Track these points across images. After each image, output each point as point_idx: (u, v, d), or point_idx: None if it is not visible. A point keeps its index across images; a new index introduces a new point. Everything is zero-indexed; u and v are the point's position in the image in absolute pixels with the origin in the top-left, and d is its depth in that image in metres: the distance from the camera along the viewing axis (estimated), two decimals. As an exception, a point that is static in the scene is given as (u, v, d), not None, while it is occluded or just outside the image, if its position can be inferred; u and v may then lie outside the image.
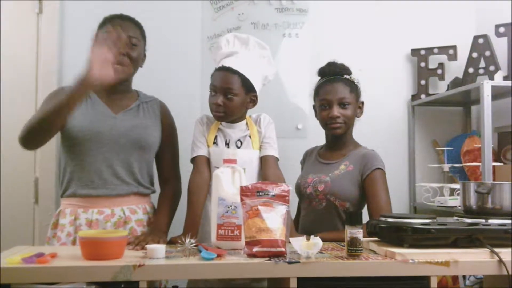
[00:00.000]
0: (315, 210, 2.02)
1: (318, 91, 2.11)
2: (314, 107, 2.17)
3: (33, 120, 1.78)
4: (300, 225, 2.10)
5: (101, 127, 1.87)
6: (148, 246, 1.48)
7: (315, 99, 2.14)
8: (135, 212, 1.92)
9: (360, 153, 2.05)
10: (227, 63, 1.96)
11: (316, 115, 2.15)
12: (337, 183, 1.99)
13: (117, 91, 1.96)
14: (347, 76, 2.08)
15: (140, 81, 2.06)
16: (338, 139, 2.09)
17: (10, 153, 2.57)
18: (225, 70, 1.96)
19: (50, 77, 2.62)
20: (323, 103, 2.05)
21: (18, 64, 2.63)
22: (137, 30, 1.97)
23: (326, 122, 2.04)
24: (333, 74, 2.08)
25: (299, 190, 2.09)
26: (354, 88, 2.07)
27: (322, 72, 2.13)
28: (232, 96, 1.95)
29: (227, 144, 2.02)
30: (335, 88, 2.04)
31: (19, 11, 2.65)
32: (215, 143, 2.02)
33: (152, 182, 2.03)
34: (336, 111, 2.01)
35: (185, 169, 2.07)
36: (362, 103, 2.11)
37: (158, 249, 1.45)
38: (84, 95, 1.72)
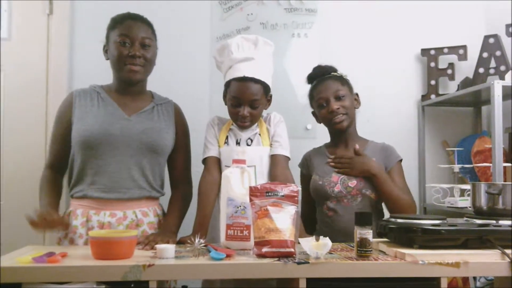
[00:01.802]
0: (347, 207, 2.01)
1: (312, 95, 2.15)
2: (313, 113, 2.19)
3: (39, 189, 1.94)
4: (328, 227, 2.04)
5: (113, 130, 1.87)
6: (157, 246, 1.49)
7: (312, 104, 2.18)
8: (146, 214, 1.92)
9: (377, 146, 2.11)
10: (246, 72, 1.93)
11: (317, 120, 2.17)
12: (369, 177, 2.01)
13: (131, 92, 1.98)
14: (334, 74, 2.13)
15: (148, 82, 2.06)
16: (345, 134, 2.11)
17: (21, 154, 2.59)
18: (247, 81, 1.94)
19: (61, 77, 2.64)
20: (320, 102, 2.09)
21: (29, 64, 2.64)
22: (149, 29, 1.97)
23: (329, 118, 2.07)
24: (321, 75, 2.13)
25: (322, 191, 2.06)
26: (345, 81, 2.12)
27: (311, 77, 2.18)
28: (257, 105, 1.97)
29: (238, 143, 2.02)
30: (327, 85, 2.09)
31: (30, 12, 2.66)
32: (226, 143, 2.02)
33: (163, 185, 2.04)
34: (335, 104, 2.04)
35: (196, 170, 2.08)
36: (357, 94, 2.15)
37: (168, 249, 1.45)
38: None
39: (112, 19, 1.97)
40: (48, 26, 2.67)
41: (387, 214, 2.05)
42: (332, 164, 2.08)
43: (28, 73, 2.64)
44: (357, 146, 2.04)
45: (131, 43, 1.89)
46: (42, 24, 2.67)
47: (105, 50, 1.98)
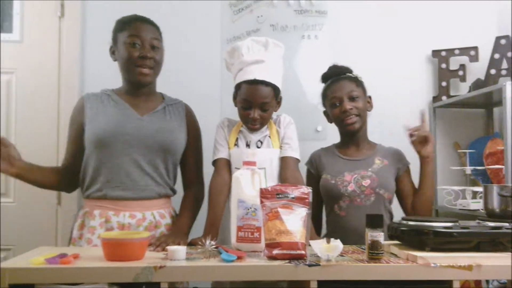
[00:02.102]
0: (360, 207, 2.00)
1: (326, 94, 2.15)
2: (325, 113, 2.19)
3: None
4: (339, 227, 2.03)
5: (128, 128, 1.89)
6: (169, 247, 1.49)
7: (324, 103, 2.18)
8: (164, 216, 1.94)
9: (390, 150, 2.13)
10: (257, 75, 1.93)
11: (328, 120, 2.17)
12: (382, 176, 2.02)
13: (142, 94, 1.99)
14: (350, 74, 2.13)
15: (159, 84, 2.07)
16: (356, 136, 2.11)
17: (33, 155, 2.59)
18: (258, 84, 1.94)
19: (72, 79, 2.66)
20: (333, 102, 2.08)
21: (40, 66, 2.67)
22: (157, 31, 1.99)
23: (341, 118, 2.06)
24: (336, 75, 2.13)
25: (334, 190, 2.04)
26: (359, 83, 2.12)
27: (325, 76, 2.18)
28: (267, 108, 1.97)
29: (248, 145, 2.02)
30: (342, 85, 2.09)
31: (42, 15, 2.68)
32: (236, 144, 2.03)
33: (175, 184, 2.05)
34: (348, 104, 2.04)
35: (206, 172, 2.08)
36: (370, 97, 2.15)
37: (179, 250, 1.46)
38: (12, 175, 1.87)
39: (119, 21, 1.98)
40: (59, 28, 2.70)
41: (396, 215, 2.05)
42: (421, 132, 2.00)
43: (40, 75, 2.66)
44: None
45: (141, 44, 1.90)
46: (53, 26, 2.69)
47: (112, 52, 1.99)
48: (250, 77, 1.94)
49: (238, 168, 1.83)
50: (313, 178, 2.15)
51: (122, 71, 1.97)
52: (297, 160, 2.03)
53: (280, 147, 2.02)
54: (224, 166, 2.00)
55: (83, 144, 1.93)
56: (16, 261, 1.42)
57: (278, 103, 2.06)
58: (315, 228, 2.07)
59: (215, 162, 2.03)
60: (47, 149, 2.58)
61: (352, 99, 2.05)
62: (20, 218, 2.59)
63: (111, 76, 2.04)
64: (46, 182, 1.97)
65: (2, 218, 2.55)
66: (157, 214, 1.92)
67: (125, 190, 1.87)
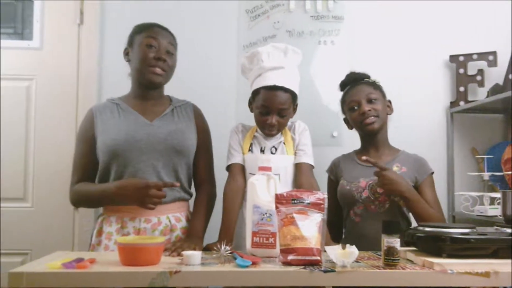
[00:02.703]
0: (375, 214, 2.00)
1: (344, 100, 2.16)
2: (345, 120, 2.18)
3: (77, 197, 1.94)
4: (355, 233, 2.03)
5: (138, 136, 1.89)
6: (184, 252, 1.50)
7: (343, 109, 2.18)
8: (179, 220, 1.94)
9: (410, 157, 2.10)
10: (276, 80, 1.94)
11: (348, 126, 2.17)
12: None
13: (150, 98, 2.00)
14: (367, 79, 2.14)
15: (176, 89, 2.09)
16: (376, 139, 2.10)
17: (50, 160, 2.64)
18: (277, 90, 1.95)
19: (91, 86, 2.68)
20: (352, 106, 2.08)
21: (60, 73, 2.70)
22: (173, 39, 2.01)
23: (360, 120, 2.06)
24: (354, 81, 2.14)
25: (349, 196, 2.04)
26: (377, 86, 2.12)
27: (343, 83, 2.19)
28: (285, 114, 1.98)
29: (262, 151, 2.03)
30: (359, 89, 2.09)
31: (61, 22, 2.72)
32: (250, 150, 2.03)
33: (191, 186, 2.06)
34: (366, 106, 2.04)
35: (220, 177, 2.08)
36: (390, 101, 2.15)
37: (194, 255, 1.46)
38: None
39: (137, 25, 2.01)
40: (78, 35, 2.73)
41: (413, 221, 2.03)
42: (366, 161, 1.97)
43: (59, 82, 2.70)
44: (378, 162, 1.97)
45: (157, 47, 1.92)
46: (73, 34, 2.73)
47: (126, 53, 2.02)
48: (270, 83, 1.94)
49: (253, 174, 1.83)
50: (333, 185, 2.16)
51: (134, 72, 1.98)
52: (312, 166, 2.03)
53: (295, 154, 2.03)
54: (238, 172, 2.01)
55: (95, 158, 1.93)
56: (34, 265, 1.44)
57: (294, 109, 2.06)
58: (335, 235, 2.07)
59: (229, 167, 2.04)
60: (65, 155, 2.60)
61: (370, 101, 2.05)
62: (38, 222, 2.62)
63: (128, 83, 2.05)
64: None
65: (20, 223, 2.60)
66: (172, 218, 1.92)
67: None
